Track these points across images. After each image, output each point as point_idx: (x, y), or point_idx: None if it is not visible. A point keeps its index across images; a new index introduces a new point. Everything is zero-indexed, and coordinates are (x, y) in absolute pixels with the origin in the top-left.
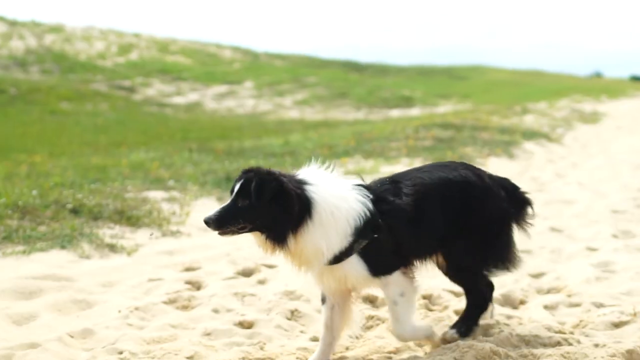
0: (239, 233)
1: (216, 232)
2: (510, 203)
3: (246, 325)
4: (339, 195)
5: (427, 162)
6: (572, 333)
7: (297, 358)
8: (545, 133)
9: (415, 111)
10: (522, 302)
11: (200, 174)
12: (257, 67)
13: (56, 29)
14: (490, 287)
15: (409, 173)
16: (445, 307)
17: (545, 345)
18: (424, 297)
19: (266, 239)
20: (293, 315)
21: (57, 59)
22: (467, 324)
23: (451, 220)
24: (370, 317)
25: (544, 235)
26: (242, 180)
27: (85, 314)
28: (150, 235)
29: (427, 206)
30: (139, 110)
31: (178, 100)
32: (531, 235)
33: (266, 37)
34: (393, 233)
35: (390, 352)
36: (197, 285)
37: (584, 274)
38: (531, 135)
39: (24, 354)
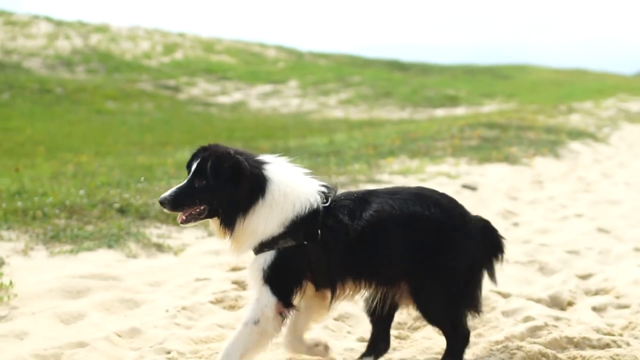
0: (199, 219)
1: (177, 218)
2: (484, 248)
3: None
4: (295, 181)
5: (473, 162)
6: (621, 335)
7: (344, 359)
8: (591, 133)
9: (459, 110)
10: (570, 304)
11: None
12: (302, 67)
13: (102, 29)
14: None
15: (382, 196)
16: (493, 308)
17: (594, 347)
18: None
19: (220, 223)
20: (340, 315)
21: (102, 58)
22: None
23: (416, 259)
24: (417, 319)
25: (591, 236)
26: (198, 159)
27: (133, 313)
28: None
29: (382, 237)
30: (184, 110)
31: (223, 99)
32: (578, 235)
33: (310, 36)
34: (324, 251)
35: (437, 353)
36: (243, 285)
37: (633, 275)
38: (577, 135)
39: (73, 353)
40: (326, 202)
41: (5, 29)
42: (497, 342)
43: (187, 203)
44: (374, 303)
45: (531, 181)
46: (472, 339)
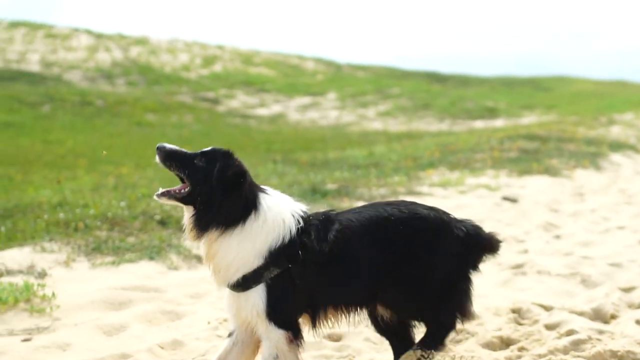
0: (175, 198)
1: (160, 164)
2: (469, 247)
3: (335, 337)
4: (281, 211)
5: (514, 174)
6: None
7: None
8: (632, 144)
9: (499, 122)
10: (613, 317)
11: (285, 185)
12: (340, 79)
13: (141, 42)
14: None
15: (344, 213)
16: (535, 322)
17: None
18: (513, 311)
19: (193, 218)
20: None
21: (142, 71)
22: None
23: (391, 264)
24: (459, 331)
25: (634, 248)
26: (217, 148)
27: (175, 325)
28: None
29: (350, 253)
30: (223, 122)
31: (261, 111)
32: (620, 248)
33: (348, 48)
34: (305, 272)
35: None
36: None
37: None
38: (618, 146)
39: None
40: (300, 222)
41: (46, 42)
42: (540, 356)
43: (178, 165)
44: (373, 320)
45: (572, 193)
46: (514, 352)
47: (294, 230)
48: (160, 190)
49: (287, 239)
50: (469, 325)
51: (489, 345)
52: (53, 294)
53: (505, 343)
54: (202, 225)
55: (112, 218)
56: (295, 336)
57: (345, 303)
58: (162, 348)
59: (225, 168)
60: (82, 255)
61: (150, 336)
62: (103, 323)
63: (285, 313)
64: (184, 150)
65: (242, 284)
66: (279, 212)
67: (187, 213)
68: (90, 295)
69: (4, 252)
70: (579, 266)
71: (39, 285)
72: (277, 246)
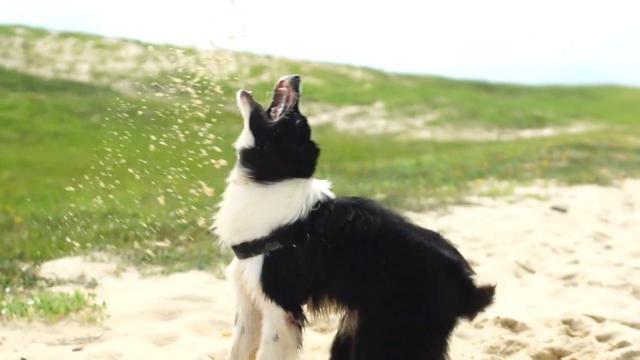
0: (256, 111)
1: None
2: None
3: None
4: (308, 190)
5: (563, 184)
6: None
7: None
8: None
9: (547, 131)
10: None
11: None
12: (388, 88)
13: (189, 51)
14: None
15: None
16: (587, 333)
17: None
18: (564, 322)
19: (246, 147)
20: None
21: (190, 80)
22: None
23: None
24: (510, 342)
25: None
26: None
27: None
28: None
29: (353, 250)
30: None
31: (310, 121)
32: None
33: (396, 57)
34: (310, 255)
35: None
36: None
37: None
38: None
39: None
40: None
41: (95, 52)
42: None
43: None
44: None
45: (622, 203)
46: None
47: (309, 211)
48: (247, 91)
49: (302, 219)
50: (519, 337)
51: (540, 357)
52: (104, 304)
53: (557, 355)
54: (247, 157)
55: (162, 228)
56: (296, 317)
57: (337, 297)
58: (212, 358)
59: (306, 125)
60: (132, 265)
61: (200, 346)
62: (153, 333)
63: (285, 292)
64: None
65: (242, 250)
66: (307, 190)
67: (243, 138)
68: (140, 305)
69: (54, 262)
70: (630, 277)
71: (89, 294)
72: (289, 224)
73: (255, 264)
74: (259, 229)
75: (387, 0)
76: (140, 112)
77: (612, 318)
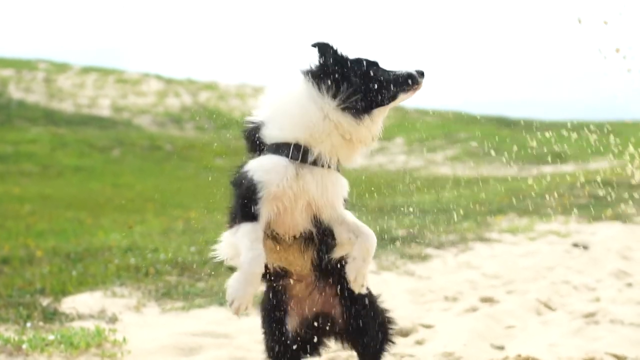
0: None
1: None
2: None
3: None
4: None
5: (584, 220)
6: None
7: None
8: None
9: (568, 167)
10: None
11: None
12: (408, 123)
13: (210, 87)
14: None
15: None
16: None
17: None
18: None
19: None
20: None
21: (211, 115)
22: None
23: None
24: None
25: None
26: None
27: None
28: None
29: None
30: None
31: None
32: None
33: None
34: None
35: None
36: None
37: None
38: None
39: None
40: None
41: (117, 87)
42: None
43: None
44: None
45: None
46: None
47: None
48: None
49: None
50: None
51: None
52: (124, 339)
53: None
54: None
55: (182, 263)
56: None
57: None
58: None
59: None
60: (152, 300)
61: None
62: None
63: None
64: None
65: None
66: None
67: None
68: (160, 340)
69: (75, 297)
70: None
71: (110, 330)
72: None
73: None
74: None
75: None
76: (160, 147)
77: (634, 357)
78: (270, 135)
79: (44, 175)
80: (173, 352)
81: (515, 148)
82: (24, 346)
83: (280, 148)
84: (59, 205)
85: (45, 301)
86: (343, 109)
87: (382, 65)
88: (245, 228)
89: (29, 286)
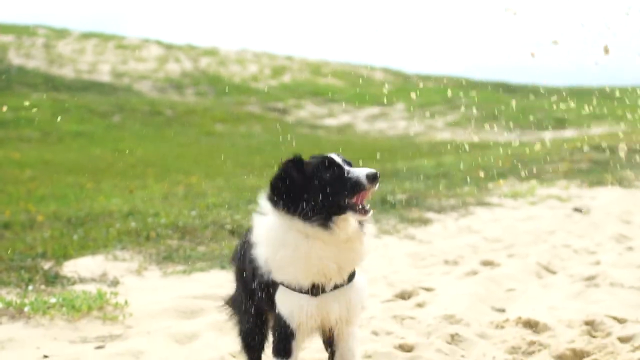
0: None
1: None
2: None
3: (406, 348)
4: None
5: (584, 185)
6: None
7: None
8: None
9: (568, 133)
10: None
11: None
12: (408, 89)
13: (211, 53)
14: None
15: None
16: (609, 334)
17: None
18: (586, 323)
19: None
20: (453, 339)
21: (211, 81)
22: None
23: None
24: (532, 343)
25: None
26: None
27: None
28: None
29: None
30: (291, 132)
31: (330, 122)
32: None
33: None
34: None
35: None
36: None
37: None
38: None
39: None
40: None
41: (117, 53)
42: None
43: None
44: None
45: None
46: None
47: None
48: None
49: None
50: (541, 338)
51: (562, 358)
52: (126, 302)
53: (579, 356)
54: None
55: (183, 227)
56: None
57: None
58: (234, 357)
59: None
60: (154, 264)
61: (222, 344)
62: (175, 331)
63: None
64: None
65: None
66: None
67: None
68: (162, 303)
69: (76, 261)
70: None
71: (111, 293)
72: None
73: (361, 279)
74: None
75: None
76: (161, 112)
77: (635, 319)
78: (281, 279)
79: (44, 141)
80: (174, 314)
81: (516, 113)
82: (26, 309)
83: (296, 288)
84: (60, 170)
85: (46, 265)
86: (311, 223)
87: (341, 163)
88: None
89: (30, 250)
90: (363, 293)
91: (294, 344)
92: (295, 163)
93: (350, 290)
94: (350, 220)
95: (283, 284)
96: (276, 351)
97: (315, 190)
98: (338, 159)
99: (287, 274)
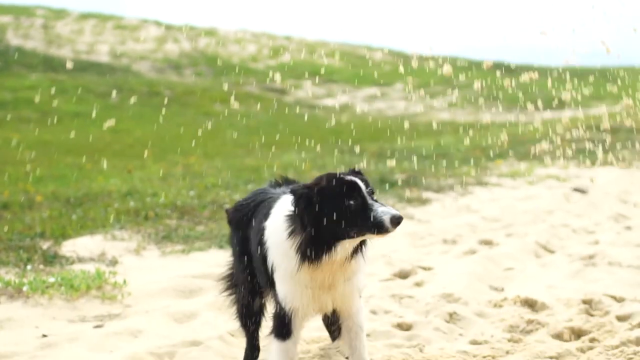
0: None
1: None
2: None
3: (405, 327)
4: None
5: (583, 165)
6: None
7: None
8: None
9: (567, 113)
10: None
11: None
12: (408, 69)
13: (210, 33)
14: None
15: None
16: (607, 313)
17: None
18: (584, 302)
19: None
20: (451, 317)
21: (210, 61)
22: None
23: None
24: (530, 322)
25: None
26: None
27: None
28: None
29: None
30: (290, 112)
31: (329, 102)
32: None
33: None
34: None
35: (551, 357)
36: None
37: None
38: None
39: (187, 351)
40: None
41: (115, 33)
42: (612, 347)
43: None
44: None
45: None
46: (586, 343)
47: None
48: None
49: None
50: (539, 316)
51: (560, 336)
52: (124, 282)
53: (577, 334)
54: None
55: (182, 207)
56: None
57: None
58: (233, 335)
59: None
60: (152, 243)
61: (220, 323)
62: (174, 310)
63: None
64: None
65: None
66: None
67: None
68: (160, 283)
69: (75, 240)
70: None
71: (110, 272)
72: None
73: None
74: None
75: None
76: (159, 93)
77: (632, 298)
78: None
79: (43, 122)
80: (173, 294)
81: (515, 93)
82: (25, 288)
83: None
84: (59, 151)
85: (45, 245)
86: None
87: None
88: (277, 348)
89: (29, 230)
90: (359, 282)
91: (294, 325)
92: (327, 183)
93: (343, 286)
94: (342, 248)
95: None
96: (276, 332)
97: (334, 218)
98: (363, 188)
99: (286, 269)
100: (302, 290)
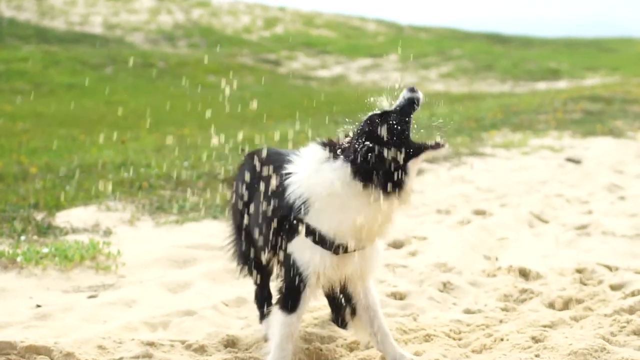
0: None
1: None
2: None
3: (399, 296)
4: None
5: (577, 136)
6: None
7: (450, 330)
8: None
9: (561, 84)
10: None
11: None
12: (402, 40)
13: (203, 4)
14: None
15: None
16: (600, 282)
17: None
18: (578, 271)
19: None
20: (445, 287)
21: (204, 33)
22: None
23: None
24: (523, 291)
25: None
26: None
27: (239, 283)
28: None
29: None
30: (284, 84)
31: (323, 73)
32: None
33: (410, 9)
34: None
35: (544, 326)
36: None
37: None
38: None
39: (180, 321)
40: None
41: (108, 5)
42: (605, 316)
43: None
44: None
45: (637, 155)
46: (579, 312)
47: None
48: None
49: None
50: (533, 285)
51: (553, 305)
52: (118, 252)
53: (570, 303)
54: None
55: (176, 178)
56: None
57: None
58: (227, 305)
59: None
60: (146, 214)
61: (214, 293)
62: (168, 280)
63: None
64: None
65: None
66: None
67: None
68: (154, 253)
69: (69, 211)
70: None
71: (104, 243)
72: None
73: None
74: None
75: None
76: (153, 64)
77: (626, 267)
78: (316, 226)
79: (36, 93)
80: (167, 264)
81: (509, 65)
82: (19, 259)
83: (323, 240)
84: (52, 122)
85: (39, 216)
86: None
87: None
88: (279, 320)
89: (23, 201)
90: (380, 255)
91: (303, 297)
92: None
93: (369, 252)
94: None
95: (310, 231)
96: (282, 303)
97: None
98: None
99: (324, 223)
100: (329, 256)
